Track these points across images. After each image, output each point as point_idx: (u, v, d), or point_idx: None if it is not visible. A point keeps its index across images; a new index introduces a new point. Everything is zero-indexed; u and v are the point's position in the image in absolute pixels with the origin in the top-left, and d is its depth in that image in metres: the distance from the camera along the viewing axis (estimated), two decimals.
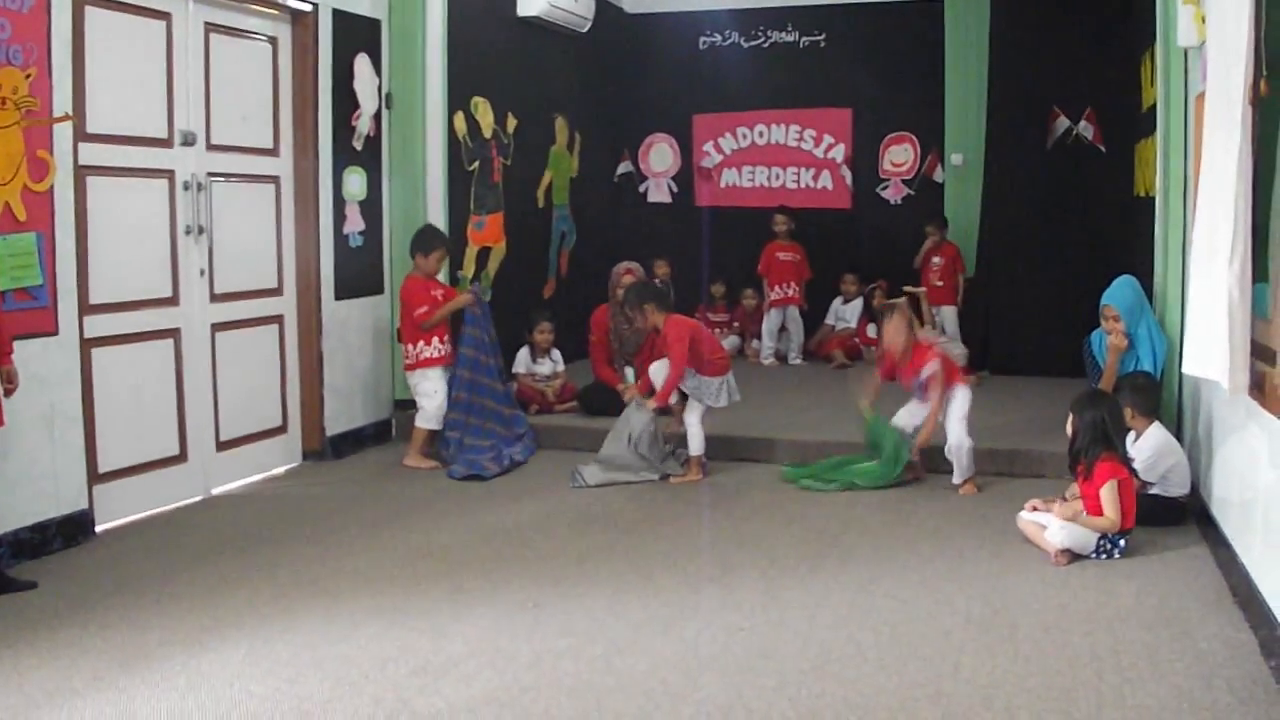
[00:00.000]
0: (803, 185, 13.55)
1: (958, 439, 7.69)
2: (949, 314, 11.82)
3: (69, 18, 6.54)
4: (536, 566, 6.23)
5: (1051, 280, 11.22)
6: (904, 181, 13.19)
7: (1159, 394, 7.28)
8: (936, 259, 11.93)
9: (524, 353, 10.06)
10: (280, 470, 8.48)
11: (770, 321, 12.61)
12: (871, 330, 11.93)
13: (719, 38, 13.73)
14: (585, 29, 12.26)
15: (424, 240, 8.87)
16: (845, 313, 12.79)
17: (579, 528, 7.00)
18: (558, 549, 6.56)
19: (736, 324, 13.15)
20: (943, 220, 12.15)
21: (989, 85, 11.80)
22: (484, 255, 10.64)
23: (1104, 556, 6.23)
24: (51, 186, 6.39)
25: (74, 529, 6.61)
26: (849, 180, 13.41)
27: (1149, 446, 6.88)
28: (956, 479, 7.74)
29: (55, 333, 6.44)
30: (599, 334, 9.71)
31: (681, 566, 6.22)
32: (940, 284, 11.77)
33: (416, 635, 5.22)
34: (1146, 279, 8.16)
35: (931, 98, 12.73)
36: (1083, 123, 11.28)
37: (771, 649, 5.05)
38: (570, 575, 6.08)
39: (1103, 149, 11.23)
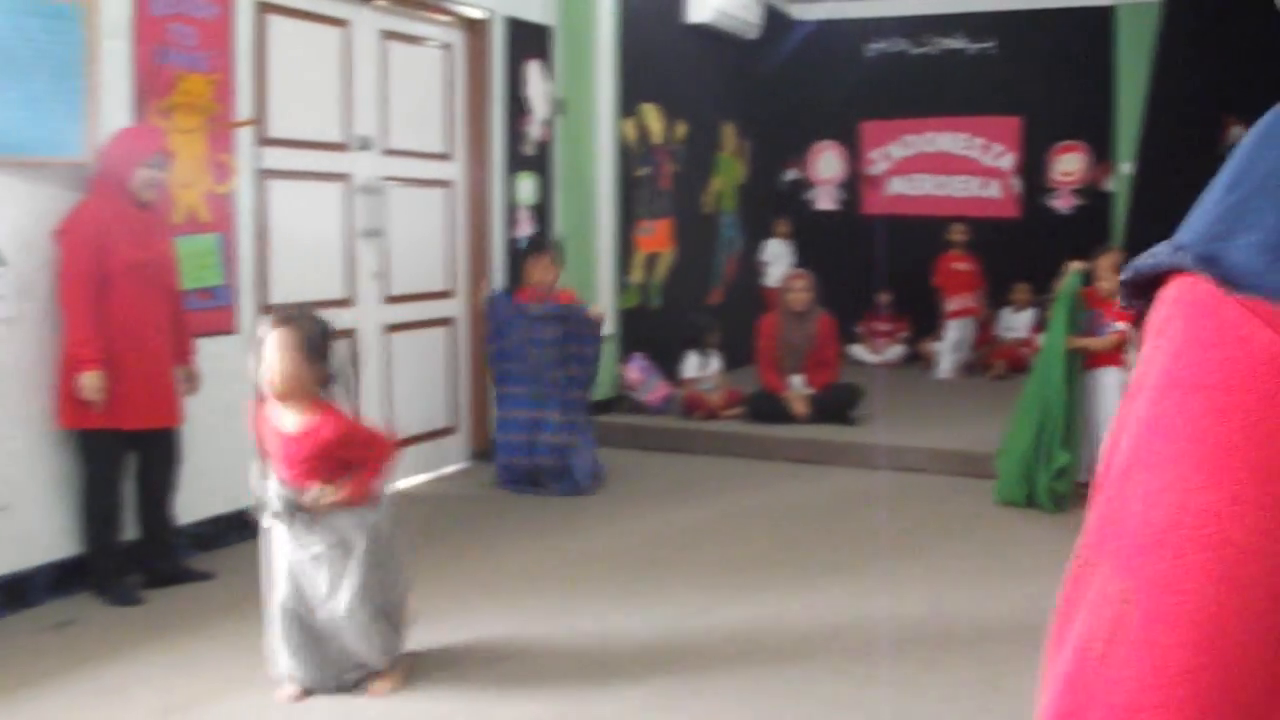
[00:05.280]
0: (970, 194, 13.39)
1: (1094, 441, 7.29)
2: None
3: (252, 26, 6.72)
4: (703, 571, 6.23)
5: None
6: (1074, 191, 12.97)
7: None
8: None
9: (691, 357, 10.09)
10: (449, 470, 8.58)
11: (950, 333, 12.45)
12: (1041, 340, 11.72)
13: (886, 44, 13.64)
14: (753, 35, 12.25)
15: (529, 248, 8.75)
16: (1015, 322, 12.60)
17: (744, 533, 6.99)
18: (724, 554, 6.55)
19: (903, 333, 13.04)
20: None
21: (1152, 91, 11.51)
22: (652, 261, 10.68)
23: None
24: (233, 189, 6.57)
25: (248, 523, 6.75)
26: (1017, 189, 13.22)
27: None
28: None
29: (235, 331, 6.61)
30: (767, 341, 9.69)
31: (848, 575, 6.17)
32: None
33: (585, 637, 5.25)
34: None
35: (1103, 105, 12.50)
36: None
37: (938, 661, 4.99)
38: (737, 580, 6.06)
39: None
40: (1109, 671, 0.82)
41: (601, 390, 8.96)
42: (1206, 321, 0.82)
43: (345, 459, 4.59)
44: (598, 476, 8.04)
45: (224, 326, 6.52)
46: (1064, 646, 0.89)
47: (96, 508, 5.75)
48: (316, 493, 4.52)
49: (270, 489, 4.56)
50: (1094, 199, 12.81)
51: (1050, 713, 0.91)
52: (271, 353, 4.45)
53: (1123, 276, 0.96)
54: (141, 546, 5.90)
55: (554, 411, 7.89)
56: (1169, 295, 0.88)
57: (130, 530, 5.90)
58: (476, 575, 6.15)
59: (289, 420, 4.55)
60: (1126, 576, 0.81)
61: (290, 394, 4.50)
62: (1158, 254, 0.91)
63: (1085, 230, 12.25)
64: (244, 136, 6.67)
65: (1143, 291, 0.93)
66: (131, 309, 5.61)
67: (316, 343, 4.54)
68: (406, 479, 8.13)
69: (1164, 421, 0.82)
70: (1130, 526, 0.82)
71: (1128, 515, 0.83)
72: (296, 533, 4.55)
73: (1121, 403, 0.89)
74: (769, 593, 5.86)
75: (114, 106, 5.90)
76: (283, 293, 7.06)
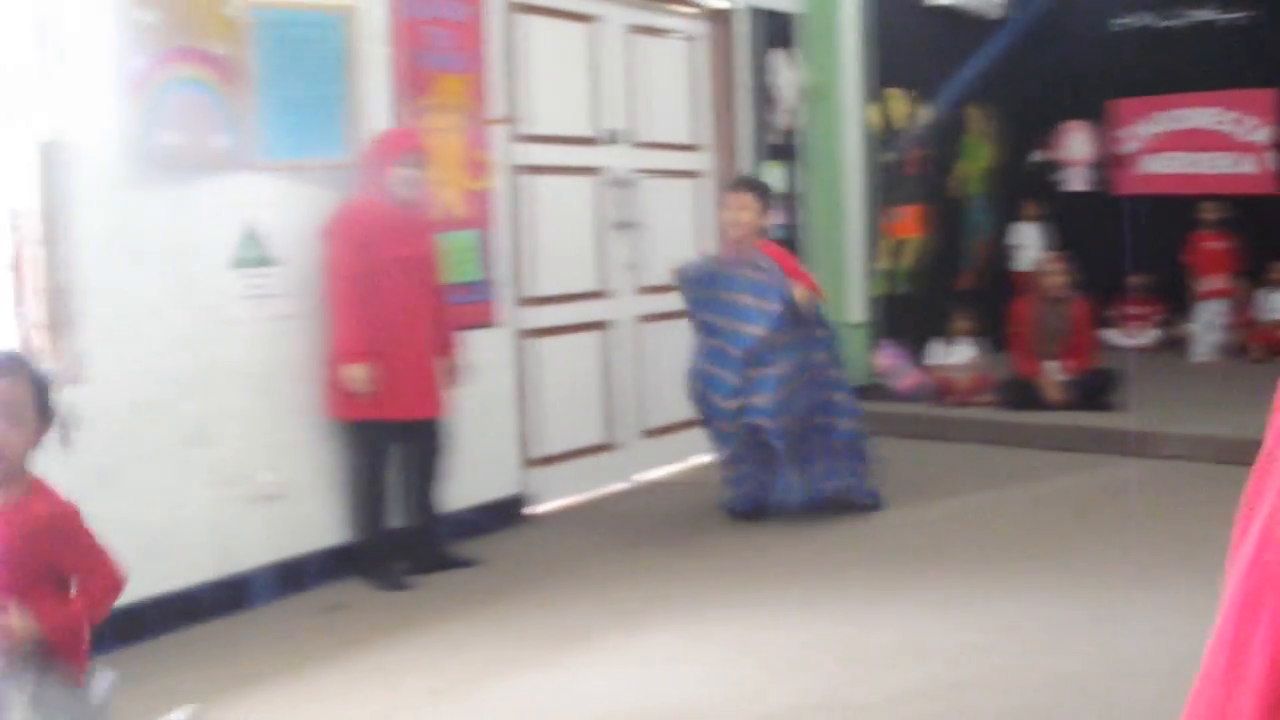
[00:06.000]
0: (1224, 171, 12.90)
1: None
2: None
3: (503, 25, 6.88)
4: (958, 562, 6.14)
5: None
6: None
7: None
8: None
9: (940, 344, 10.00)
10: (702, 459, 8.60)
11: (1203, 315, 12.04)
12: None
13: (1132, 19, 13.23)
14: (997, 15, 12.05)
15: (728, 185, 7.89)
16: (1274, 303, 12.11)
17: (1000, 524, 6.87)
18: (980, 543, 6.46)
19: (1157, 316, 12.65)
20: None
21: None
22: (901, 247, 10.58)
23: None
24: (490, 185, 6.73)
25: (508, 511, 6.93)
26: (1275, 164, 12.69)
27: None
28: None
29: (494, 324, 6.78)
30: (1021, 326, 9.52)
31: (1106, 566, 6.00)
32: None
33: (840, 625, 5.23)
34: None
35: None
36: None
37: (1199, 656, 4.83)
38: (992, 571, 5.96)
39: None
40: None
41: (853, 378, 8.89)
42: None
43: (56, 567, 3.11)
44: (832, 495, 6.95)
45: (485, 319, 6.70)
46: (1249, 535, 0.90)
47: (365, 496, 5.97)
48: (12, 615, 2.95)
49: None
50: None
51: (1236, 595, 0.92)
52: None
53: None
54: (408, 534, 6.10)
55: (764, 395, 6.66)
56: None
57: (398, 518, 6.10)
58: (732, 560, 6.19)
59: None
60: None
61: None
62: None
63: None
64: (499, 134, 6.83)
65: None
66: (396, 304, 5.80)
67: (32, 400, 3.09)
68: (658, 468, 8.21)
69: None
70: None
71: None
72: None
73: None
74: (1026, 582, 5.75)
75: (375, 109, 6.11)
76: (539, 285, 7.22)
